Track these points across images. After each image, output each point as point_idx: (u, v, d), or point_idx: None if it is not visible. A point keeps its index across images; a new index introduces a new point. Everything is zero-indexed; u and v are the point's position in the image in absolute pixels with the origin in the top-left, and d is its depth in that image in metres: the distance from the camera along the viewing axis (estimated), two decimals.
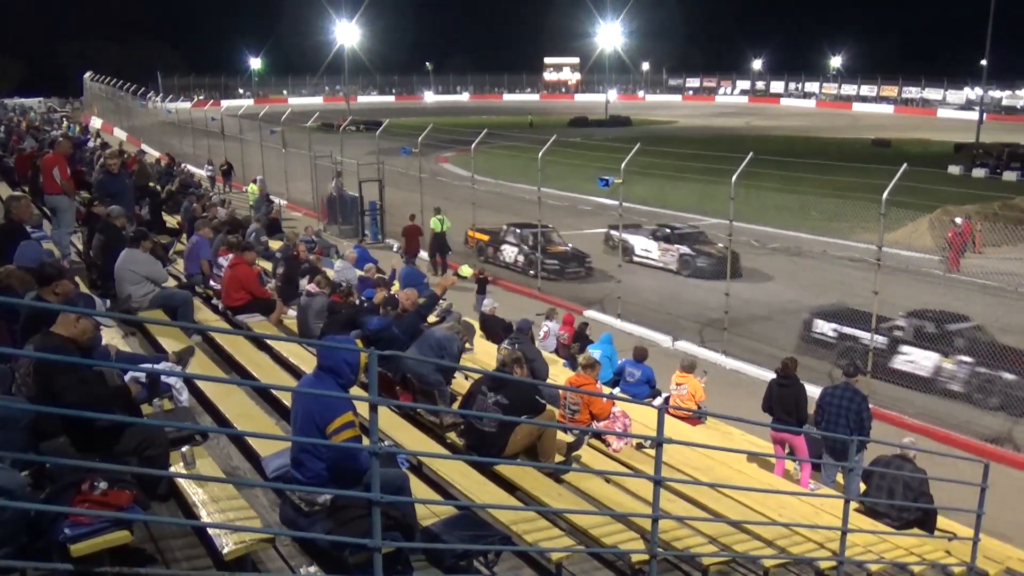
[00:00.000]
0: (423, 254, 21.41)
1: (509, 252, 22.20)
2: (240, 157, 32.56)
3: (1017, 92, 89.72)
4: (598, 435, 8.34)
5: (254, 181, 26.93)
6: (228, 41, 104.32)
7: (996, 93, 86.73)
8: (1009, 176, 39.44)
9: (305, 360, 8.34)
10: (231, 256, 10.66)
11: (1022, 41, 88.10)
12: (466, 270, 15.06)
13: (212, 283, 11.27)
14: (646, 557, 5.33)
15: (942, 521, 8.38)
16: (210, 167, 31.11)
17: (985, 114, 62.35)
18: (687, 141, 48.61)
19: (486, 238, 23.02)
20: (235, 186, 31.53)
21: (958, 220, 22.08)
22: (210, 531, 4.63)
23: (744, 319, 16.53)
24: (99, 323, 5.50)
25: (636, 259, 22.05)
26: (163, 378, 6.23)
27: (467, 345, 10.09)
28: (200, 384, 6.99)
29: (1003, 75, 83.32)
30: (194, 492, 4.97)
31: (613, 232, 22.61)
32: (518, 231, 22.17)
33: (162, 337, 8.38)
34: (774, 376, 9.98)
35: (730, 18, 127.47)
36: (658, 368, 11.43)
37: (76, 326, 4.94)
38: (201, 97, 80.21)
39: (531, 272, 20.53)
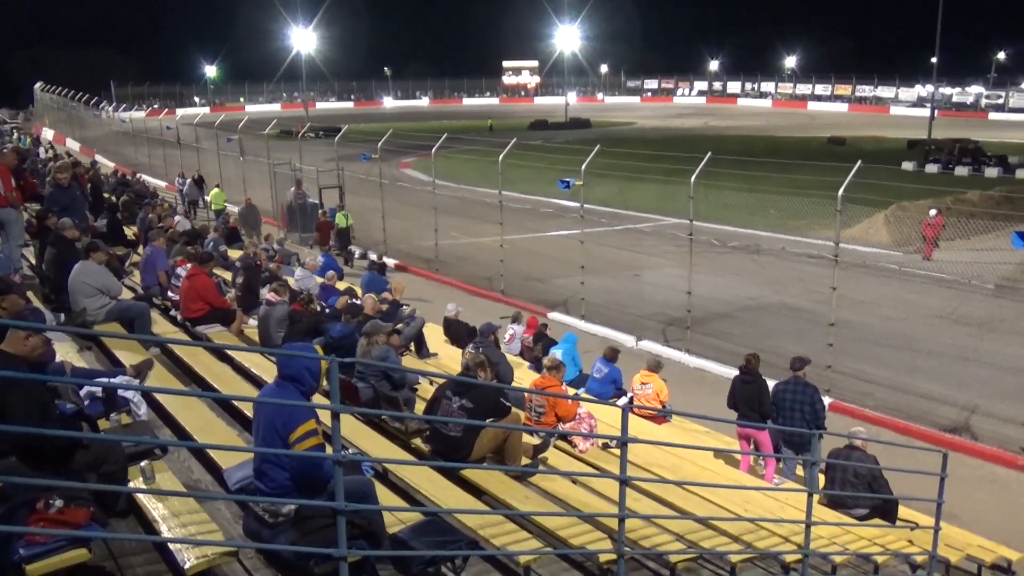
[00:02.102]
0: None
1: None
2: (197, 166, 32.08)
3: (967, 89, 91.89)
4: (564, 436, 8.35)
5: (198, 182, 26.69)
6: (182, 49, 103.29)
7: (947, 90, 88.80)
8: (961, 171, 40.25)
9: (267, 370, 8.23)
10: (189, 266, 10.50)
11: (971, 39, 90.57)
12: (341, 219, 21.23)
13: (170, 294, 11.09)
14: (614, 556, 5.34)
15: (904, 511, 8.52)
16: (181, 180, 30.23)
17: (936, 111, 63.66)
18: (646, 142, 49.02)
19: None
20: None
21: (932, 212, 22.58)
22: (171, 546, 4.55)
23: (706, 317, 16.67)
24: (49, 339, 5.38)
25: None
26: (121, 392, 6.12)
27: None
28: (159, 397, 6.86)
29: (953, 72, 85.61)
30: (154, 507, 4.88)
31: None
32: None
33: (119, 350, 8.22)
34: (737, 373, 10.07)
35: (686, 20, 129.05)
36: (622, 367, 11.47)
37: (26, 343, 4.83)
38: (156, 106, 79.08)
39: None
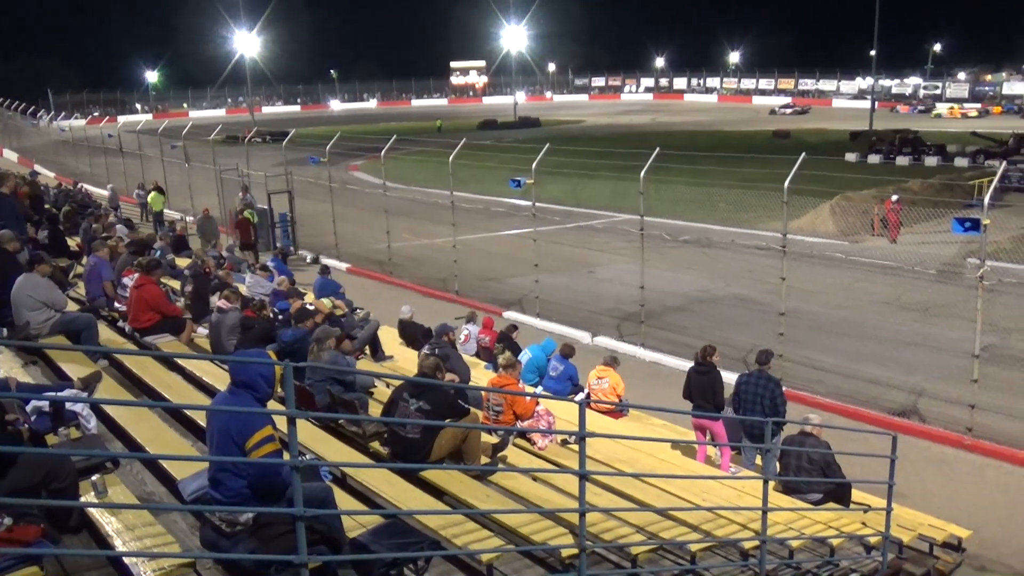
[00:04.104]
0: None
1: None
2: (141, 174, 31.43)
3: (905, 80, 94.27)
4: (523, 434, 8.36)
5: (157, 190, 26.19)
6: (122, 55, 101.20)
7: (886, 82, 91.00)
8: (902, 161, 41.18)
9: (218, 378, 8.11)
10: (136, 276, 10.28)
11: (907, 32, 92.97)
12: (250, 214, 21.76)
13: (117, 305, 10.85)
14: (575, 551, 5.36)
15: (856, 494, 8.70)
16: (141, 192, 29.33)
17: (877, 102, 65.15)
18: (595, 139, 49.42)
19: None
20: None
21: (894, 198, 23.15)
22: (127, 560, 4.46)
23: (660, 311, 16.83)
24: None
25: None
26: (68, 406, 5.98)
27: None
28: (109, 410, 6.72)
29: (891, 65, 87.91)
30: (108, 522, 4.78)
31: None
32: None
33: (66, 364, 8.03)
34: (692, 365, 10.18)
35: (632, 17, 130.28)
36: (578, 364, 11.52)
37: None
38: (96, 114, 77.36)
39: None
